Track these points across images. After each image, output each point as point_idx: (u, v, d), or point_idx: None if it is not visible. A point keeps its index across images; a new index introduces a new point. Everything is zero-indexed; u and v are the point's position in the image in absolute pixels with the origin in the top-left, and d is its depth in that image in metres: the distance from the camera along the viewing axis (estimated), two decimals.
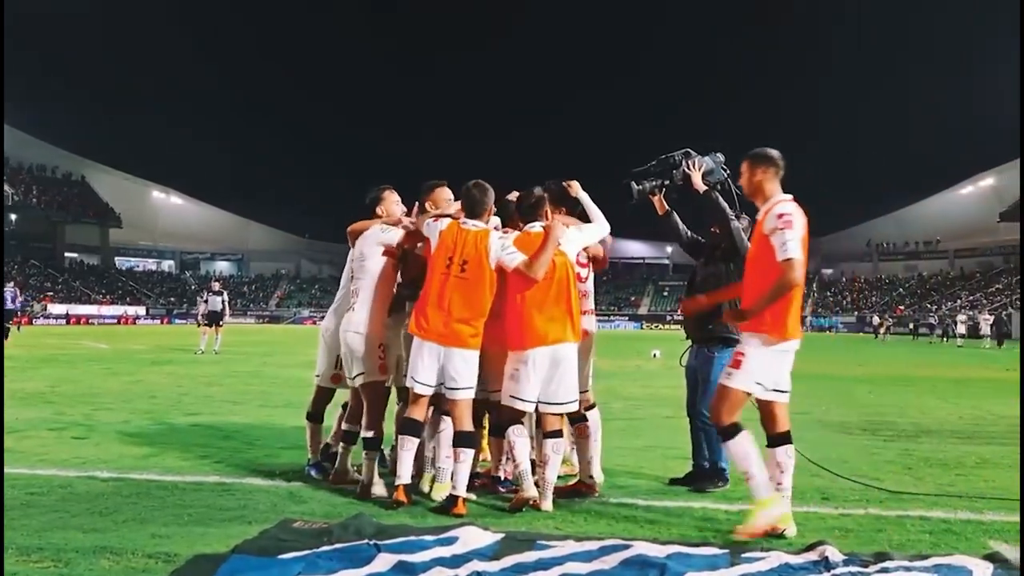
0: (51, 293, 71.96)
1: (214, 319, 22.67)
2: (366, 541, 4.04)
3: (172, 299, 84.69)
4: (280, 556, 3.80)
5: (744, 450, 4.54)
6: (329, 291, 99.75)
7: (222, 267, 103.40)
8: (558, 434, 5.15)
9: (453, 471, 4.98)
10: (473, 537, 4.17)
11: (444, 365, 5.05)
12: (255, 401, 10.72)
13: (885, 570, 3.74)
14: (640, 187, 5.60)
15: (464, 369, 5.05)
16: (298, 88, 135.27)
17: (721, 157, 5.64)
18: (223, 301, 23.19)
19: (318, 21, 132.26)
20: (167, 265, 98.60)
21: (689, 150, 5.60)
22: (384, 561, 3.75)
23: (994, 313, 50.07)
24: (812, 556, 3.94)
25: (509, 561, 3.82)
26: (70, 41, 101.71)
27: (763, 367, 4.58)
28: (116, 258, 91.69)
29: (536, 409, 5.14)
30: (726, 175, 5.62)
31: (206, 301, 23.26)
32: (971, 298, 69.62)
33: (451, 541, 4.10)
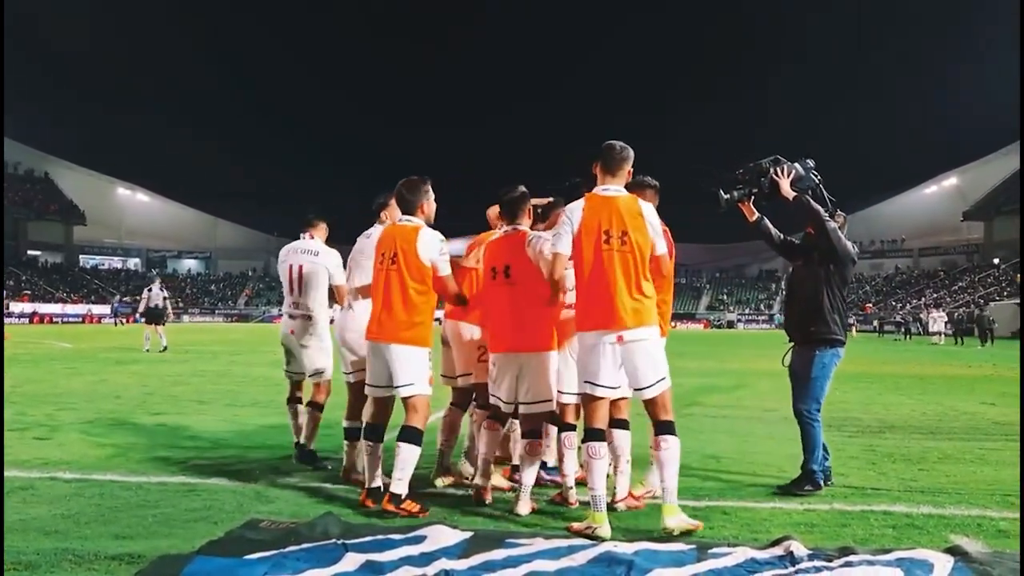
0: (28, 292, 70.93)
1: (154, 317, 22.41)
2: (334, 541, 4.03)
3: (137, 297, 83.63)
4: (246, 557, 3.78)
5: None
6: None
7: (190, 265, 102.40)
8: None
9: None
10: (441, 535, 4.16)
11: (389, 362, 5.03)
12: (222, 400, 10.62)
13: (849, 564, 3.79)
14: (728, 196, 5.65)
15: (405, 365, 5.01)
16: (268, 85, 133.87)
17: (811, 163, 5.69)
18: (164, 298, 23.00)
19: (283, 14, 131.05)
20: (133, 263, 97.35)
21: (779, 157, 5.63)
22: (352, 560, 3.74)
23: (957, 311, 50.87)
24: (778, 551, 3.98)
25: (477, 559, 3.82)
26: (32, 35, 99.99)
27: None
28: (80, 256, 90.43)
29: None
30: (817, 180, 5.69)
31: (146, 298, 22.95)
32: (935, 296, 70.66)
33: (419, 540, 4.09)
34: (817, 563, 3.80)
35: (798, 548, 3.98)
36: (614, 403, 4.96)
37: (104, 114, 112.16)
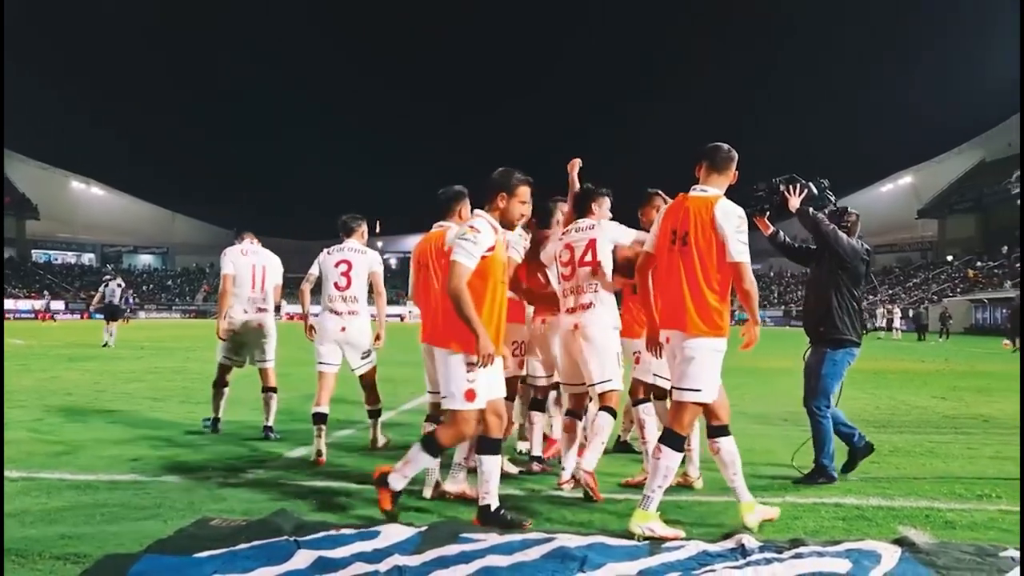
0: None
1: (112, 313, 22.05)
2: (285, 538, 3.98)
3: (92, 292, 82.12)
4: (195, 555, 3.72)
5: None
6: None
7: (146, 260, 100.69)
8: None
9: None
10: (395, 531, 4.14)
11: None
12: (176, 397, 10.47)
13: (799, 555, 3.84)
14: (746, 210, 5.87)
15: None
16: (226, 78, 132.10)
17: (825, 183, 5.93)
18: (121, 294, 22.72)
19: (247, 7, 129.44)
20: (87, 258, 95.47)
21: (794, 175, 5.86)
22: (303, 557, 3.70)
23: (912, 307, 51.81)
24: (730, 544, 4.02)
25: (431, 555, 3.80)
26: None
27: None
28: (33, 251, 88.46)
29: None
30: (832, 201, 5.98)
31: (102, 294, 22.55)
32: (890, 292, 71.89)
33: (373, 536, 4.07)
34: (768, 555, 3.84)
35: (749, 541, 4.03)
36: (605, 394, 5.27)
37: (57, 107, 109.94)
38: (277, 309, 7.88)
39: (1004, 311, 38.04)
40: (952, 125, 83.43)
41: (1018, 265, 59.69)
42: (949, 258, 74.46)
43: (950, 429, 8.45)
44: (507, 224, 4.68)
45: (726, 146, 4.74)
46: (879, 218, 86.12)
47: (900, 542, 4.07)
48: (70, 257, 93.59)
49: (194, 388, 11.69)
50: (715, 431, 4.63)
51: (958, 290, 62.97)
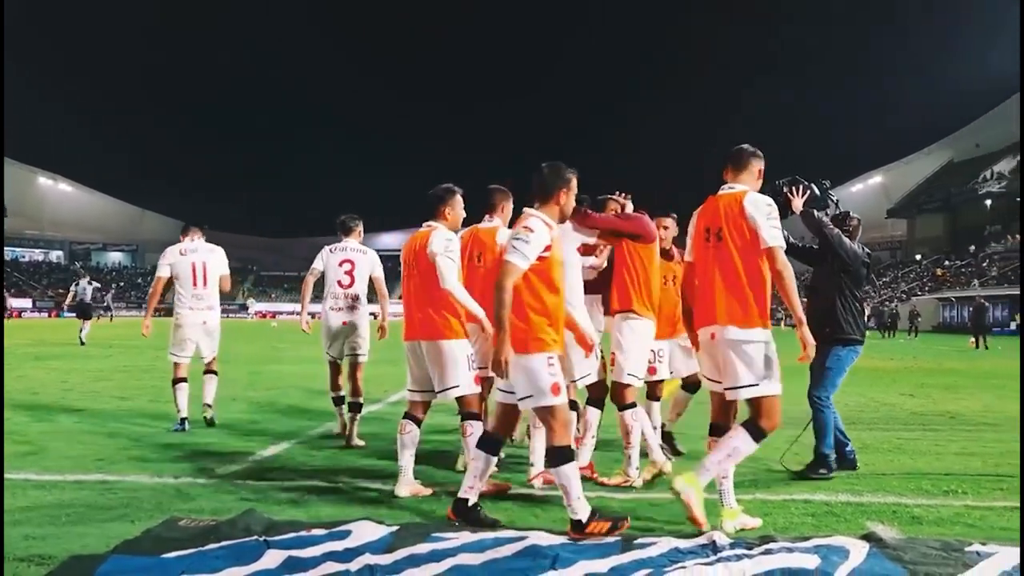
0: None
1: (84, 311, 21.83)
2: (255, 538, 3.95)
3: (60, 291, 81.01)
4: (163, 555, 3.68)
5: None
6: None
7: (115, 258, 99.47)
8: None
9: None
10: (366, 531, 4.11)
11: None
12: (146, 396, 10.35)
13: (769, 551, 3.86)
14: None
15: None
16: (195, 73, 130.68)
17: (827, 184, 6.08)
18: (93, 292, 22.58)
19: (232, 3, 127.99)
20: (55, 256, 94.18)
21: (796, 177, 5.97)
22: (273, 558, 3.67)
23: (886, 307, 52.44)
24: (701, 540, 4.04)
25: (402, 553, 3.78)
26: None
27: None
28: None
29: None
30: (835, 202, 6.14)
31: (74, 293, 22.33)
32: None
33: (344, 535, 4.04)
34: (738, 551, 3.86)
35: (720, 537, 4.05)
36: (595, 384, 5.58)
37: (23, 100, 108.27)
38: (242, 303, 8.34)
39: (970, 309, 38.64)
40: (921, 126, 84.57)
41: (985, 264, 60.63)
42: (918, 257, 75.46)
43: (918, 426, 8.55)
44: (562, 219, 4.66)
45: (746, 146, 4.87)
46: None
47: (868, 538, 4.11)
48: (38, 255, 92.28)
49: (164, 387, 11.50)
50: (717, 430, 4.73)
51: (926, 288, 63.83)
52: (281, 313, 78.49)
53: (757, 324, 4.48)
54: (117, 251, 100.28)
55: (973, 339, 31.36)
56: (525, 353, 4.29)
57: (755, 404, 4.52)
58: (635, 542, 4.02)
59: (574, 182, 4.60)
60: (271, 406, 9.55)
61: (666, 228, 6.39)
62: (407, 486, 5.19)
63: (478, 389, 5.30)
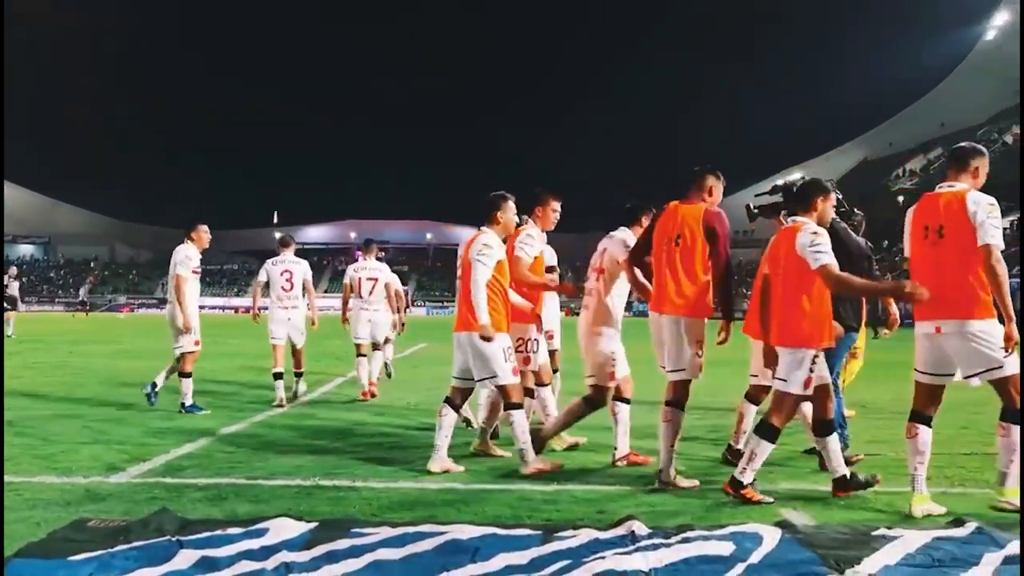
0: None
1: (13, 304, 21.22)
2: (168, 538, 3.84)
3: None
4: (70, 558, 3.55)
5: None
6: (148, 277, 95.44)
7: (25, 251, 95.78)
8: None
9: None
10: (284, 528, 4.04)
11: None
12: (57, 394, 9.99)
13: (686, 540, 3.93)
14: (756, 210, 6.49)
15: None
16: (113, 59, 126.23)
17: (832, 181, 6.19)
18: (19, 287, 21.98)
19: None
20: None
21: (804, 177, 6.28)
22: (185, 558, 3.58)
23: None
24: (620, 531, 4.09)
25: (320, 550, 3.73)
26: None
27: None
28: None
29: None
30: (839, 198, 6.20)
31: (6, 286, 21.61)
32: None
33: (260, 533, 3.96)
34: (656, 540, 3.92)
35: (639, 528, 4.10)
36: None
37: None
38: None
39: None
40: (839, 124, 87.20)
41: (897, 258, 62.87)
42: None
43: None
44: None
45: (966, 144, 5.07)
46: None
47: (781, 524, 4.23)
48: None
49: (77, 384, 11.20)
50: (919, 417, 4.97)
51: None
52: (202, 307, 76.59)
53: (987, 314, 4.62)
54: (27, 243, 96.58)
55: (874, 331, 32.34)
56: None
57: (1004, 383, 4.69)
58: (556, 534, 4.04)
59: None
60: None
61: None
62: (438, 462, 5.68)
63: (517, 380, 5.75)
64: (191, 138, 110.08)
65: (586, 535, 4.02)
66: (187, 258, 8.71)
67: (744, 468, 4.95)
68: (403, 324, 11.69)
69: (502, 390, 5.73)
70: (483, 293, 5.62)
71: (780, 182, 6.77)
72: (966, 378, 4.80)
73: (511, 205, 6.00)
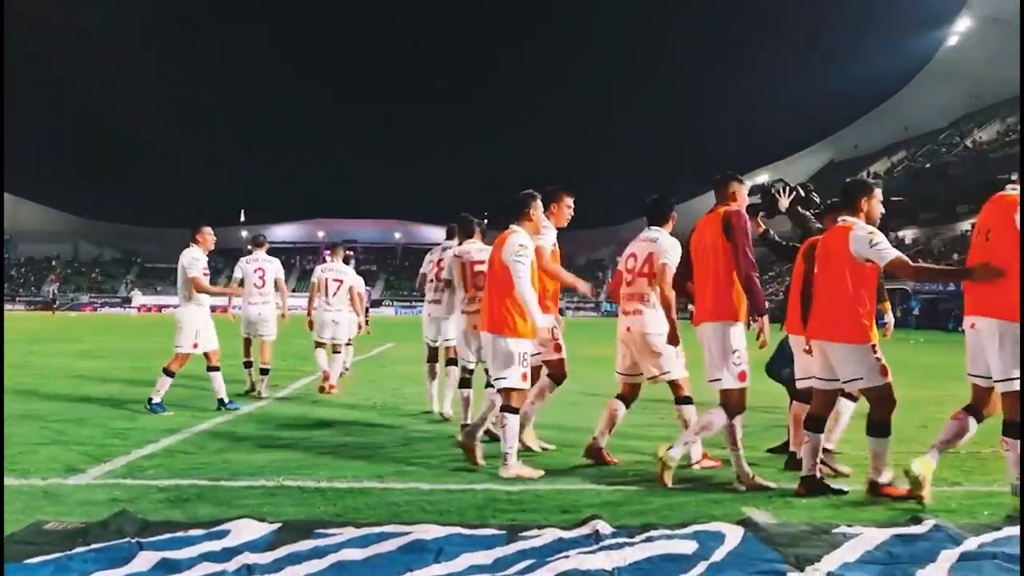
0: None
1: None
2: (127, 540, 3.79)
3: None
4: (26, 561, 3.49)
5: None
6: (112, 275, 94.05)
7: None
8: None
9: None
10: (247, 529, 4.01)
11: None
12: (14, 394, 9.78)
13: (650, 539, 3.96)
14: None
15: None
16: (73, 52, 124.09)
17: (811, 187, 6.65)
18: None
19: None
20: None
21: (782, 179, 6.53)
22: (145, 559, 3.53)
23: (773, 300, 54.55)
24: (584, 530, 4.10)
25: (283, 551, 3.71)
26: None
27: None
28: None
29: None
30: (818, 203, 6.53)
31: None
32: None
33: (222, 535, 3.93)
34: (620, 539, 3.94)
35: (603, 527, 4.12)
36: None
37: None
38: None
39: None
40: (804, 127, 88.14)
41: None
42: None
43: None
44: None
45: None
46: None
47: (744, 523, 4.27)
48: None
49: (37, 383, 11.01)
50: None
51: None
52: (168, 306, 75.69)
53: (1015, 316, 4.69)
54: None
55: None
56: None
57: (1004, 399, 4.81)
58: (520, 534, 4.05)
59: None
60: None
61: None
62: (511, 468, 5.62)
63: (526, 385, 5.82)
64: (156, 135, 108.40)
65: (550, 535, 4.03)
66: (195, 260, 8.68)
67: (874, 469, 5.08)
68: (367, 323, 12.40)
69: (507, 392, 5.73)
70: (531, 292, 5.68)
71: (763, 180, 6.87)
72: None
73: (540, 203, 6.06)
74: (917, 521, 4.32)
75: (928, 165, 67.34)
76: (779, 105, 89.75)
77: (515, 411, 5.72)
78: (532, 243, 5.89)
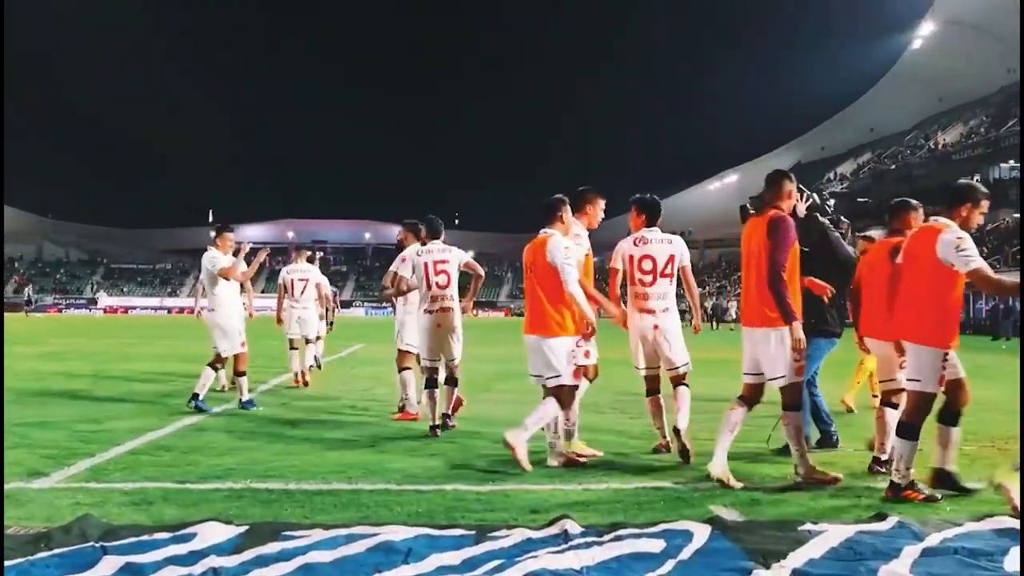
0: None
1: None
2: (90, 544, 3.75)
3: None
4: None
5: None
6: (77, 276, 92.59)
7: None
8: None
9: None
10: (213, 532, 3.98)
11: None
12: None
13: (619, 538, 3.99)
14: (752, 210, 6.36)
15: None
16: (39, 55, 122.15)
17: (826, 193, 6.39)
18: None
19: None
20: None
21: (799, 186, 6.38)
22: (109, 564, 3.50)
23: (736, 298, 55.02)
24: (553, 530, 4.12)
25: (250, 554, 3.68)
26: None
27: None
28: None
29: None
30: (830, 207, 6.67)
31: None
32: (718, 285, 75.85)
33: (188, 538, 3.90)
34: (589, 539, 3.96)
35: (572, 526, 4.14)
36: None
37: None
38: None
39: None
40: (773, 128, 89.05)
41: None
42: None
43: (763, 413, 8.96)
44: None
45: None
46: (708, 214, 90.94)
47: (711, 521, 4.30)
48: None
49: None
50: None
51: None
52: (134, 308, 74.74)
53: None
54: None
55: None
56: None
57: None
58: (489, 534, 4.06)
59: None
60: (116, 405, 9.10)
61: None
62: (555, 456, 5.95)
63: (577, 382, 6.05)
64: (122, 135, 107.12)
65: (519, 535, 4.04)
66: (214, 258, 8.96)
67: (898, 471, 5.08)
68: (331, 323, 13.25)
69: (559, 389, 5.89)
70: (580, 291, 5.84)
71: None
72: None
73: (569, 208, 6.19)
74: (881, 518, 4.38)
75: (893, 167, 68.24)
76: (747, 107, 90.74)
77: (567, 407, 5.96)
78: (573, 245, 6.07)
